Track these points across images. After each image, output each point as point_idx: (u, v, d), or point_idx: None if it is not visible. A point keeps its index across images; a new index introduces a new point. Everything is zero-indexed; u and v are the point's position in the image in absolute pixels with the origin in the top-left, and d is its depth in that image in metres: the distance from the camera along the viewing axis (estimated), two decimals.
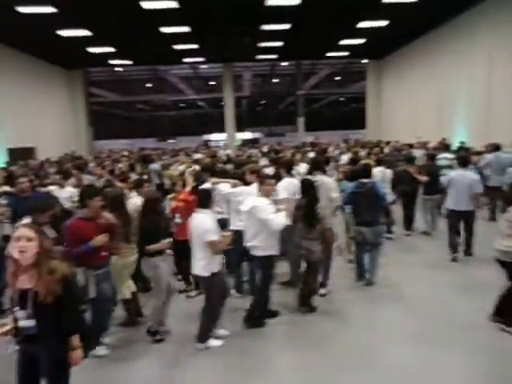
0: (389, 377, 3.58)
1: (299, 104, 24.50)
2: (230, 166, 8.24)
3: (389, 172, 7.54)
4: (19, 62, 16.12)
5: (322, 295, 5.15)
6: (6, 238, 4.39)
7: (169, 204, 5.85)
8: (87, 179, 7.97)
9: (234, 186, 5.29)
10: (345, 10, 12.52)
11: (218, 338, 4.24)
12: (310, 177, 5.28)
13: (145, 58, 19.36)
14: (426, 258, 6.65)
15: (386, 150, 12.99)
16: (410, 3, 11.94)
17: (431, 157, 8.30)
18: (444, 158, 9.13)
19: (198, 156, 13.11)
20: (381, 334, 4.33)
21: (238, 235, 4.60)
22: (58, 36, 13.43)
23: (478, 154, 9.65)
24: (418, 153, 10.66)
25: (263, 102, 41.75)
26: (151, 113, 40.81)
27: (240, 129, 26.90)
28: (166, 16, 11.98)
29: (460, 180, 6.26)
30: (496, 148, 8.87)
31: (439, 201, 7.87)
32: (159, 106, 38.64)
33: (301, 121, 24.26)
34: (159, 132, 38.19)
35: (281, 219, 4.25)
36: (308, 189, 4.78)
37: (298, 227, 4.72)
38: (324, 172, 5.55)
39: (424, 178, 7.54)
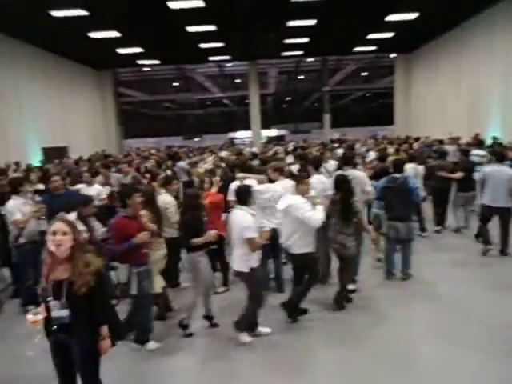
0: (425, 374, 3.54)
1: (325, 100, 24.18)
2: (255, 163, 8.24)
3: (421, 168, 7.41)
4: (53, 65, 16.65)
5: (352, 291, 5.09)
6: (43, 234, 4.55)
7: None
8: (114, 177, 8.15)
9: (261, 182, 5.28)
10: (372, 3, 12.23)
11: (258, 335, 4.22)
12: (341, 172, 5.23)
13: (172, 57, 19.63)
14: (459, 255, 6.45)
15: (415, 146, 12.69)
16: None
17: (465, 152, 8.08)
18: (476, 154, 8.88)
19: (223, 154, 13.19)
20: (416, 331, 4.28)
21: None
22: (89, 38, 13.83)
23: None
24: (449, 148, 10.34)
25: (289, 98, 41.59)
26: (178, 111, 41.41)
27: (265, 126, 26.90)
28: (193, 15, 12.11)
29: (497, 175, 6.05)
30: None
31: (473, 197, 7.63)
32: (186, 105, 39.11)
33: (327, 117, 23.96)
34: (186, 130, 38.71)
35: (318, 215, 4.24)
36: (342, 183, 4.73)
37: (333, 222, 4.68)
38: (354, 166, 5.51)
39: (459, 175, 7.32)
